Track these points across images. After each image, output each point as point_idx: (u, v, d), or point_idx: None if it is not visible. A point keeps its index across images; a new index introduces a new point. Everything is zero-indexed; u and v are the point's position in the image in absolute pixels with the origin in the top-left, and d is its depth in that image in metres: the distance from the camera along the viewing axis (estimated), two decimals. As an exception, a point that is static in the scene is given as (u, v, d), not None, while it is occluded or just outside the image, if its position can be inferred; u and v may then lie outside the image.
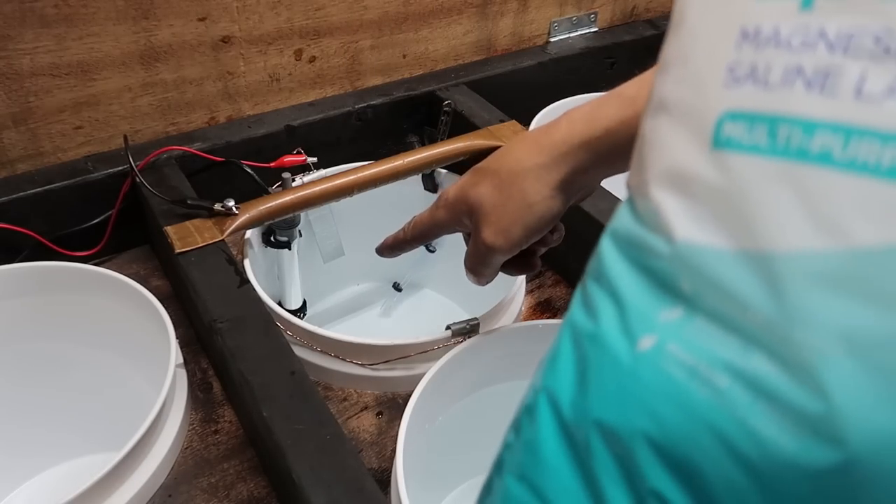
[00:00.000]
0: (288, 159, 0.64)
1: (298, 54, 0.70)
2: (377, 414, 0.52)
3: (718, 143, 0.19)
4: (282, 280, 0.64)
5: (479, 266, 0.42)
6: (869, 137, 0.16)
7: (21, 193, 0.58)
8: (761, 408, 0.17)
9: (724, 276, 0.18)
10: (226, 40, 0.65)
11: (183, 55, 0.63)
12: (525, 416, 0.23)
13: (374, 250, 0.50)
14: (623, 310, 0.21)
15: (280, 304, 0.63)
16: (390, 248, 0.49)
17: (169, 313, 0.47)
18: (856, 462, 0.16)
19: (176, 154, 0.63)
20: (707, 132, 0.19)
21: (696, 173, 0.19)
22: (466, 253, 0.43)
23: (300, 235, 0.63)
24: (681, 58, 0.21)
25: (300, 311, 0.65)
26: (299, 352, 0.50)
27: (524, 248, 0.41)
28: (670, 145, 0.20)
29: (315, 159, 0.65)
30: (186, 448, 0.47)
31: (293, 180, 0.62)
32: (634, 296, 0.20)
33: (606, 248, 0.22)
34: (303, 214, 0.63)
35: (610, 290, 0.21)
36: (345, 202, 0.62)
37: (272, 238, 0.61)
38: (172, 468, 0.46)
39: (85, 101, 0.61)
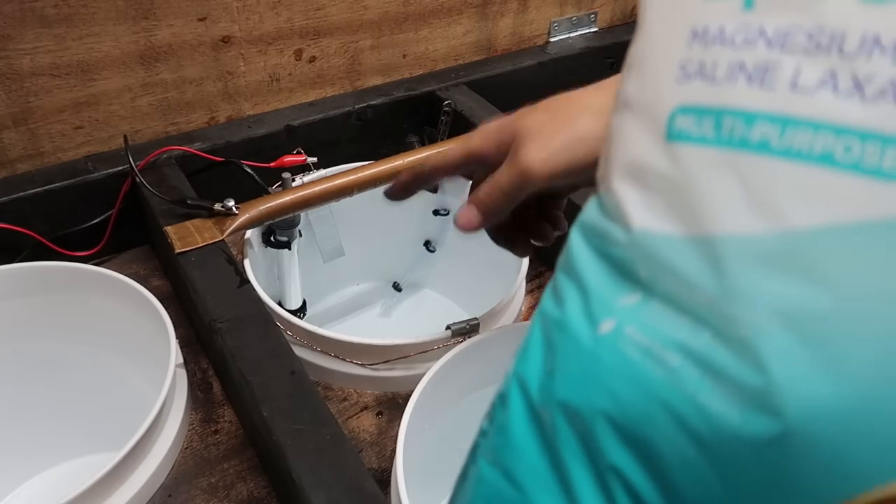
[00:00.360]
0: (288, 159, 0.64)
1: (298, 54, 0.70)
2: (377, 414, 0.52)
3: (671, 135, 0.20)
4: (282, 280, 0.64)
5: (500, 196, 0.37)
6: (803, 127, 0.18)
7: (21, 193, 0.58)
8: (708, 384, 0.18)
9: (674, 260, 0.19)
10: (226, 40, 0.65)
11: (183, 55, 0.63)
12: (498, 403, 0.24)
13: (384, 195, 0.45)
14: (587, 297, 0.22)
15: (280, 304, 0.63)
16: (403, 188, 0.43)
17: (169, 313, 0.47)
18: (793, 431, 0.17)
19: (176, 154, 0.63)
20: (661, 126, 0.20)
21: (652, 165, 0.21)
22: (486, 182, 0.38)
23: (300, 235, 0.63)
24: (641, 58, 0.22)
25: (300, 311, 0.65)
26: (299, 352, 0.50)
27: (555, 190, 0.38)
28: (631, 140, 0.22)
29: (315, 159, 0.65)
30: (186, 448, 0.47)
31: (293, 180, 0.62)
32: (597, 283, 0.21)
33: (574, 240, 0.23)
34: (303, 214, 0.63)
35: (576, 279, 0.22)
36: (345, 202, 0.62)
37: (272, 238, 0.61)
38: (172, 468, 0.46)
39: (85, 101, 0.61)
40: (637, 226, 0.21)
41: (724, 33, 0.20)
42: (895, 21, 0.17)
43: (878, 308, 0.17)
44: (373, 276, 0.76)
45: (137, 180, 0.59)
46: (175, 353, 0.46)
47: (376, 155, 0.66)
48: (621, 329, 0.20)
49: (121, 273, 0.50)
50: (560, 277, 0.23)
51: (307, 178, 0.63)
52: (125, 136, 0.60)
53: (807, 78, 0.18)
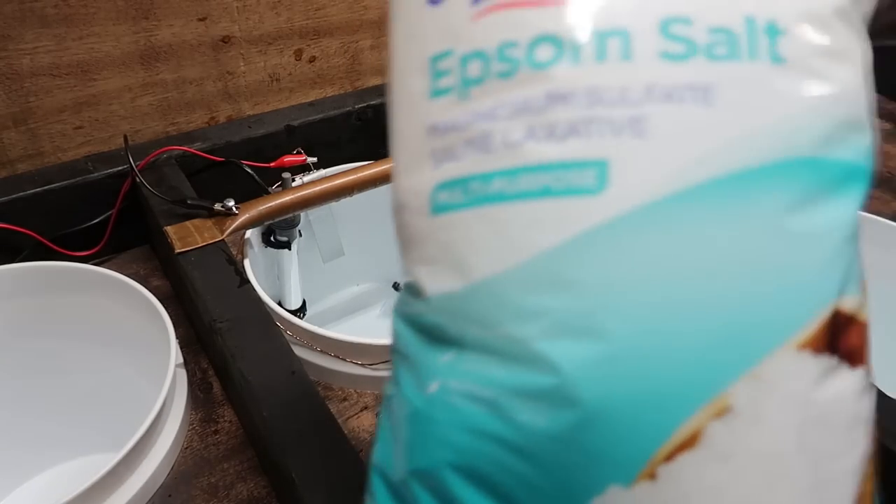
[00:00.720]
0: (288, 159, 0.64)
1: (298, 54, 0.70)
2: (377, 414, 0.52)
3: (434, 210, 0.24)
4: (282, 280, 0.64)
5: None
6: (522, 173, 0.22)
7: (21, 193, 0.58)
8: (517, 403, 0.22)
9: (464, 311, 0.23)
10: (226, 40, 0.65)
11: (183, 55, 0.63)
12: (368, 500, 0.28)
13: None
14: (415, 369, 0.25)
15: (280, 304, 0.63)
16: None
17: (169, 313, 0.47)
18: (591, 412, 0.21)
19: (176, 154, 0.63)
20: (427, 207, 0.24)
21: (428, 241, 0.24)
22: None
23: (300, 235, 0.63)
24: (398, 157, 0.26)
25: (300, 312, 0.65)
26: (299, 352, 0.50)
27: None
28: (410, 228, 0.25)
29: (315, 159, 0.65)
30: (186, 448, 0.47)
31: (293, 180, 0.62)
32: (420, 355, 0.25)
33: (396, 326, 0.26)
34: (303, 214, 0.63)
35: (404, 359, 0.25)
36: (345, 202, 0.62)
37: (272, 238, 0.61)
38: (172, 468, 0.46)
39: (85, 101, 0.61)
40: (430, 293, 0.24)
41: (451, 121, 0.24)
42: (564, 79, 0.22)
43: (619, 296, 0.21)
44: (373, 277, 0.76)
45: (137, 180, 0.59)
46: (175, 353, 0.46)
47: (376, 155, 0.66)
48: (446, 385, 0.23)
49: (121, 273, 0.50)
50: (394, 362, 0.26)
51: (307, 178, 0.63)
52: (125, 136, 0.60)
53: (516, 136, 0.22)
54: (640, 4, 0.23)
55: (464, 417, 0.23)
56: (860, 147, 0.24)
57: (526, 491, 0.22)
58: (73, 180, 0.59)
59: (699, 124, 0.22)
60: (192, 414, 0.49)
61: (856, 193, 0.24)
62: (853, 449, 0.23)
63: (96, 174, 0.60)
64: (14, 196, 0.57)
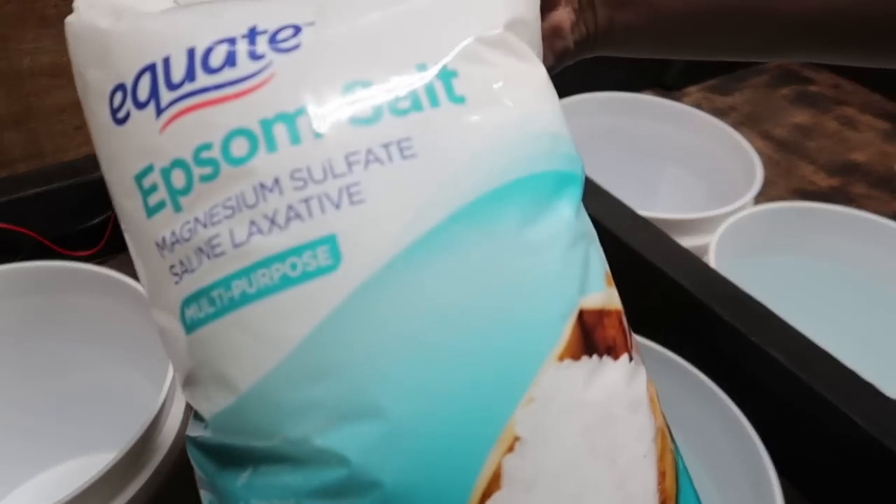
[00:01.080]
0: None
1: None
2: None
3: (187, 328, 0.24)
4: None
5: None
6: (258, 269, 0.22)
7: (21, 193, 0.58)
8: (318, 501, 0.22)
9: (243, 424, 0.23)
10: (226, 40, 0.65)
11: (183, 55, 0.63)
12: None
13: None
14: (219, 496, 0.24)
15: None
16: None
17: (169, 313, 0.47)
18: (390, 492, 0.21)
19: (176, 154, 0.63)
20: (180, 326, 0.24)
21: (189, 363, 0.24)
22: None
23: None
24: (145, 284, 0.26)
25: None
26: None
27: None
28: (173, 353, 0.25)
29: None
30: (186, 448, 0.47)
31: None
32: (220, 481, 0.24)
33: (191, 454, 0.26)
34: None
35: (208, 487, 0.25)
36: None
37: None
38: (172, 468, 0.46)
39: (85, 102, 0.61)
40: (206, 415, 0.24)
41: (174, 236, 0.24)
42: (267, 169, 0.22)
43: (384, 367, 0.21)
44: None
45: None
46: (175, 353, 0.46)
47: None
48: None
49: (121, 273, 0.50)
50: (201, 493, 0.26)
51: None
52: (125, 137, 0.60)
53: (240, 235, 0.23)
54: (321, 77, 0.23)
55: None
56: (562, 153, 0.25)
57: None
58: (73, 180, 0.59)
59: (409, 177, 0.23)
60: (192, 414, 0.49)
61: (571, 195, 0.25)
62: (641, 433, 0.23)
63: (97, 174, 0.60)
64: (14, 196, 0.57)
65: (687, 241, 0.63)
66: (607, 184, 0.65)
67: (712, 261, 0.60)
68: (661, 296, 0.55)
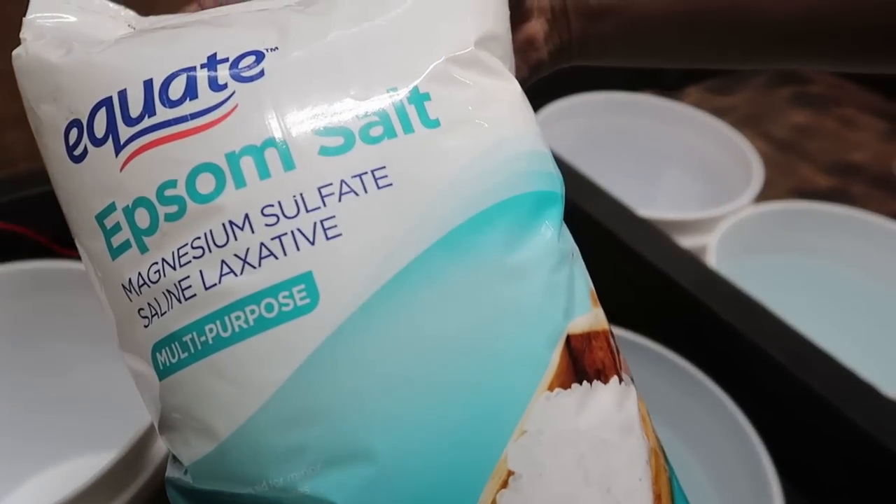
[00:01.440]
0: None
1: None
2: None
3: (160, 374, 0.23)
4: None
5: None
6: (231, 310, 0.21)
7: (22, 193, 0.58)
8: None
9: (225, 471, 0.22)
10: (226, 40, 0.65)
11: (183, 55, 0.63)
12: None
13: None
14: None
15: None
16: None
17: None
18: None
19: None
20: (152, 372, 0.23)
21: (164, 410, 0.23)
22: None
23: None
24: (116, 328, 0.25)
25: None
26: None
27: None
28: (146, 397, 0.24)
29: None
30: (186, 448, 0.47)
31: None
32: None
33: (171, 496, 0.25)
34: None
35: None
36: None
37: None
38: (172, 468, 0.46)
39: (85, 102, 0.61)
40: (186, 461, 0.23)
41: (141, 277, 0.22)
42: (236, 205, 0.21)
43: (371, 408, 0.21)
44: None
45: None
46: (175, 353, 0.46)
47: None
48: None
49: (121, 273, 0.50)
50: None
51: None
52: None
53: (211, 276, 0.21)
54: (287, 105, 0.22)
55: None
56: (540, 172, 0.24)
57: None
58: (73, 180, 0.59)
59: (386, 208, 0.22)
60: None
61: (552, 216, 0.24)
62: (633, 456, 0.23)
63: (96, 174, 0.60)
64: (15, 196, 0.57)
65: (687, 241, 0.63)
66: (607, 184, 0.65)
67: (712, 261, 0.60)
68: (661, 296, 0.55)
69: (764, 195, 0.72)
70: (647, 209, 0.63)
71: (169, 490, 0.24)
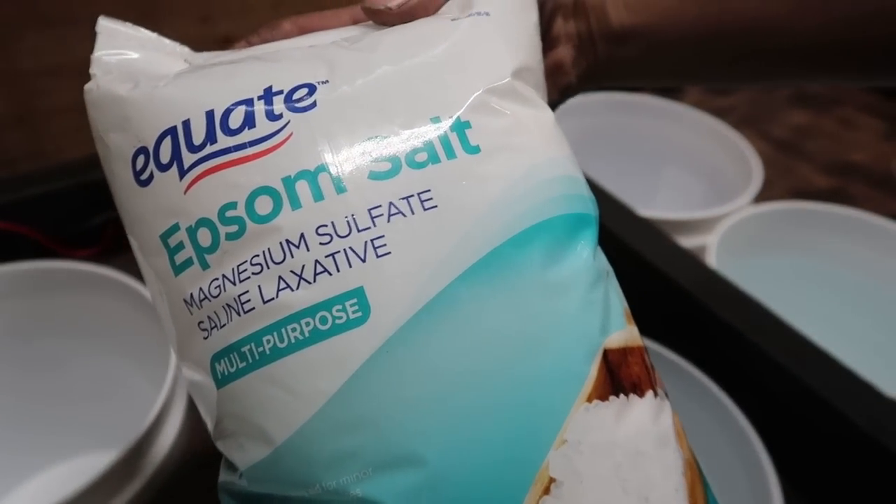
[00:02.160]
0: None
1: (299, 55, 0.70)
2: None
3: (219, 384, 0.24)
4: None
5: None
6: (288, 322, 0.23)
7: (22, 193, 0.58)
8: None
9: (279, 475, 0.23)
10: (228, 41, 0.65)
11: (183, 55, 0.63)
12: None
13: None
14: None
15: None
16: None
17: (169, 313, 0.47)
18: None
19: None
20: (210, 381, 0.25)
21: (222, 416, 0.24)
22: None
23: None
24: (175, 341, 0.26)
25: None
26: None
27: None
28: (203, 406, 0.26)
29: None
30: (187, 448, 0.47)
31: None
32: None
33: (224, 501, 0.26)
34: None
35: None
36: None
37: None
38: (172, 468, 0.46)
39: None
40: (240, 466, 0.24)
41: (202, 292, 0.24)
42: (292, 226, 0.23)
43: (420, 417, 0.22)
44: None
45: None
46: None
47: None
48: None
49: (121, 273, 0.50)
50: None
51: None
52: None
53: (269, 291, 0.23)
54: (338, 133, 0.24)
55: None
56: (576, 196, 0.26)
57: None
58: (73, 180, 0.59)
59: (432, 228, 0.23)
60: (192, 414, 0.49)
61: (588, 236, 0.25)
62: (670, 467, 0.23)
63: (97, 174, 0.60)
64: (15, 196, 0.58)
65: (687, 241, 0.63)
66: (607, 184, 0.65)
67: (712, 261, 0.60)
68: (661, 296, 0.55)
69: (763, 195, 0.72)
70: (647, 209, 0.63)
71: (222, 495, 0.25)
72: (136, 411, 0.46)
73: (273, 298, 0.23)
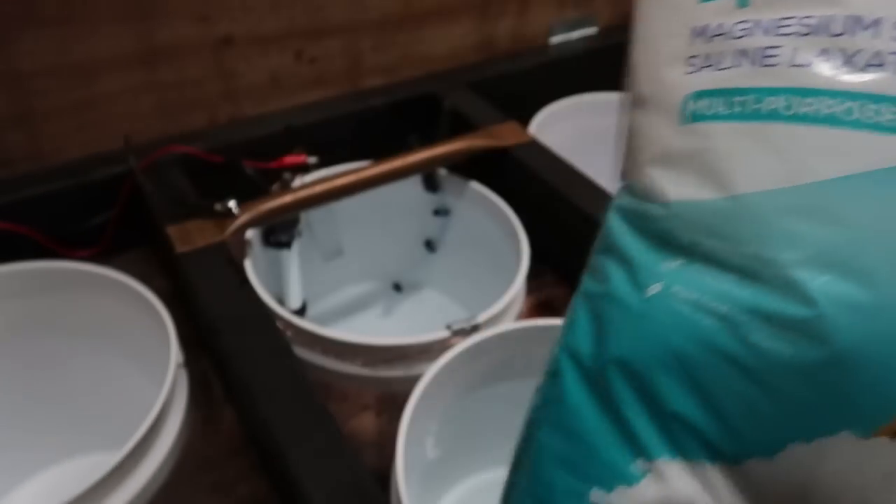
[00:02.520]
0: (288, 159, 0.64)
1: (299, 55, 0.70)
2: (377, 414, 0.52)
3: (687, 118, 0.23)
4: (282, 280, 0.64)
5: None
6: (807, 95, 0.21)
7: (21, 193, 0.58)
8: (758, 325, 0.21)
9: (713, 222, 0.22)
10: (227, 41, 0.65)
11: (184, 55, 0.63)
12: (549, 380, 0.27)
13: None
14: (631, 269, 0.24)
15: (281, 303, 0.63)
16: None
17: (170, 313, 0.47)
18: (841, 355, 0.20)
19: (177, 154, 0.63)
20: (677, 113, 0.24)
21: (676, 147, 0.24)
22: None
23: (300, 235, 0.63)
24: (645, 59, 0.26)
25: (301, 312, 0.65)
26: (299, 352, 0.50)
27: None
28: (651, 132, 0.25)
29: (315, 159, 0.65)
30: (187, 448, 0.47)
31: (293, 180, 0.62)
32: (640, 256, 0.24)
33: (613, 222, 0.26)
34: (303, 214, 0.63)
35: (618, 256, 0.25)
36: (345, 202, 0.62)
37: (272, 238, 0.61)
38: (173, 468, 0.46)
39: (86, 102, 0.61)
40: (673, 199, 0.23)
41: (722, 28, 0.23)
42: (872, 4, 0.21)
43: (884, 243, 0.20)
44: (373, 277, 0.76)
45: (138, 181, 0.59)
46: (176, 353, 0.46)
47: (376, 155, 0.66)
48: (668, 289, 0.23)
49: (121, 273, 0.50)
50: (599, 259, 0.26)
51: (307, 178, 0.63)
52: (126, 137, 0.60)
53: (803, 57, 0.21)
54: None
55: (689, 325, 0.22)
56: None
57: (742, 408, 0.22)
58: (73, 180, 0.59)
59: None
60: (192, 414, 0.49)
61: None
62: None
63: (97, 174, 0.60)
64: (15, 196, 0.57)
65: (687, 241, 0.62)
66: (607, 184, 0.65)
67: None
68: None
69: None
70: (648, 209, 0.63)
71: (614, 218, 0.25)
72: (136, 411, 0.46)
73: (805, 65, 0.21)
